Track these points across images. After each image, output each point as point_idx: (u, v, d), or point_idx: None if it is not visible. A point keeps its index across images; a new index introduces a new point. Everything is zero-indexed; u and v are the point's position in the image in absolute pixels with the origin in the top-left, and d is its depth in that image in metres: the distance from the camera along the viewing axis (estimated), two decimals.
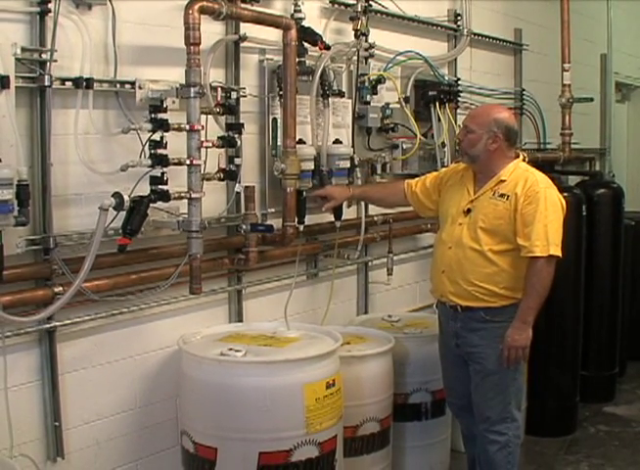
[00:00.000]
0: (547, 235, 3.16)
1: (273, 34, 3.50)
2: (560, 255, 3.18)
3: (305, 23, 3.60)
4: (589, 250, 4.93)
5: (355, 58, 3.98)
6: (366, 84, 4.08)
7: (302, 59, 3.58)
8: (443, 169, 3.71)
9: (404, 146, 4.33)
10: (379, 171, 4.18)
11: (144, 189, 2.92)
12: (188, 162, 2.94)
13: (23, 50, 2.65)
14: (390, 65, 4.27)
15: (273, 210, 3.62)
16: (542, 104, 5.69)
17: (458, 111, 4.79)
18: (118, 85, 2.95)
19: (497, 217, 3.25)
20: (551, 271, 3.18)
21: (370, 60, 4.15)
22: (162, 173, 2.92)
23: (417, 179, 3.68)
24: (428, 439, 3.94)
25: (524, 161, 3.39)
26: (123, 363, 3.13)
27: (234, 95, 3.38)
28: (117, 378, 3.11)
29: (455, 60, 4.90)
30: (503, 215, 3.24)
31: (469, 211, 3.32)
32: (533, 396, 4.50)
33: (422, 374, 3.86)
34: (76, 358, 2.97)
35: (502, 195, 3.26)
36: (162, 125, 2.92)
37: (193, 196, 2.95)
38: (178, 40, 2.94)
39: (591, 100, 5.92)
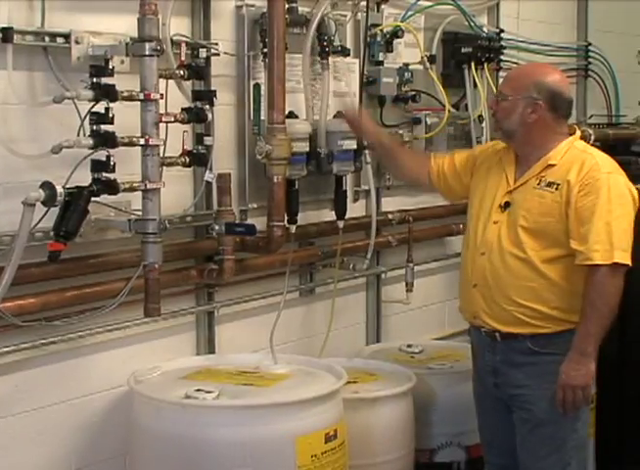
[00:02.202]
0: (611, 236, 3.15)
1: None
2: (629, 262, 3.18)
3: None
4: None
5: (364, 3, 3.99)
6: (378, 39, 4.11)
7: (294, 5, 3.61)
8: (478, 147, 3.72)
9: (429, 120, 4.37)
10: None
11: (83, 178, 2.93)
12: (142, 141, 2.95)
13: None
14: (411, 12, 4.30)
15: (255, 205, 3.65)
16: (615, 63, 5.71)
17: (501, 73, 4.82)
18: (47, 38, 2.95)
19: (544, 213, 3.26)
20: (617, 284, 3.18)
21: (383, 6, 4.18)
22: (108, 157, 2.93)
23: (444, 157, 3.69)
24: None
25: (582, 139, 3.41)
26: (55, 410, 3.14)
27: (203, 53, 3.39)
28: (47, 430, 3.12)
29: (497, 5, 4.93)
30: (551, 211, 3.25)
31: (507, 204, 3.33)
32: (604, 458, 4.48)
33: (452, 423, 3.89)
34: None
35: (550, 183, 3.27)
36: (108, 93, 2.92)
37: (149, 187, 2.97)
38: None
39: None
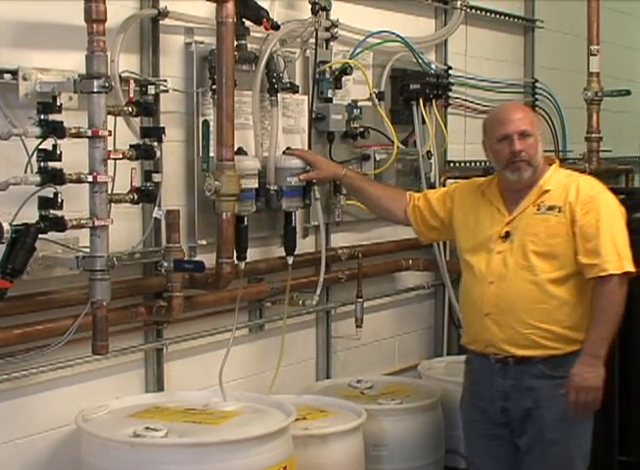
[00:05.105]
0: (617, 248, 3.36)
1: (203, 9, 3.56)
2: (634, 270, 3.37)
3: None
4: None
5: (313, 40, 4.05)
6: (327, 75, 4.16)
7: (243, 42, 3.64)
8: (452, 185, 3.82)
9: (377, 156, 4.41)
10: (344, 191, 4.24)
11: (31, 215, 2.94)
12: (90, 178, 2.96)
13: None
14: (359, 49, 4.36)
15: (204, 241, 3.66)
16: (561, 99, 5.82)
17: (449, 110, 4.89)
18: None
19: (552, 235, 3.41)
20: (625, 293, 3.38)
21: (332, 43, 4.24)
22: (56, 194, 2.94)
23: (418, 194, 3.84)
24: None
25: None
26: (0, 450, 3.12)
27: (152, 90, 3.41)
28: None
29: (445, 42, 5.01)
30: (559, 232, 3.41)
31: (507, 234, 3.46)
32: None
33: (403, 459, 3.90)
34: None
35: (551, 207, 3.44)
36: (55, 130, 2.94)
37: (97, 224, 2.97)
38: (76, 15, 2.97)
39: (628, 93, 6.00)
